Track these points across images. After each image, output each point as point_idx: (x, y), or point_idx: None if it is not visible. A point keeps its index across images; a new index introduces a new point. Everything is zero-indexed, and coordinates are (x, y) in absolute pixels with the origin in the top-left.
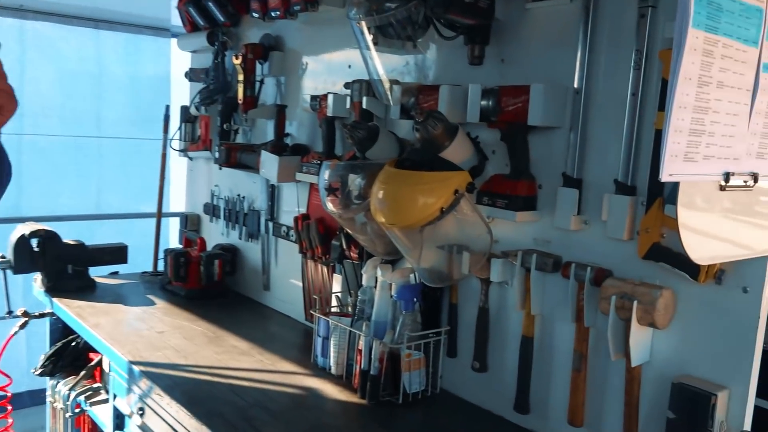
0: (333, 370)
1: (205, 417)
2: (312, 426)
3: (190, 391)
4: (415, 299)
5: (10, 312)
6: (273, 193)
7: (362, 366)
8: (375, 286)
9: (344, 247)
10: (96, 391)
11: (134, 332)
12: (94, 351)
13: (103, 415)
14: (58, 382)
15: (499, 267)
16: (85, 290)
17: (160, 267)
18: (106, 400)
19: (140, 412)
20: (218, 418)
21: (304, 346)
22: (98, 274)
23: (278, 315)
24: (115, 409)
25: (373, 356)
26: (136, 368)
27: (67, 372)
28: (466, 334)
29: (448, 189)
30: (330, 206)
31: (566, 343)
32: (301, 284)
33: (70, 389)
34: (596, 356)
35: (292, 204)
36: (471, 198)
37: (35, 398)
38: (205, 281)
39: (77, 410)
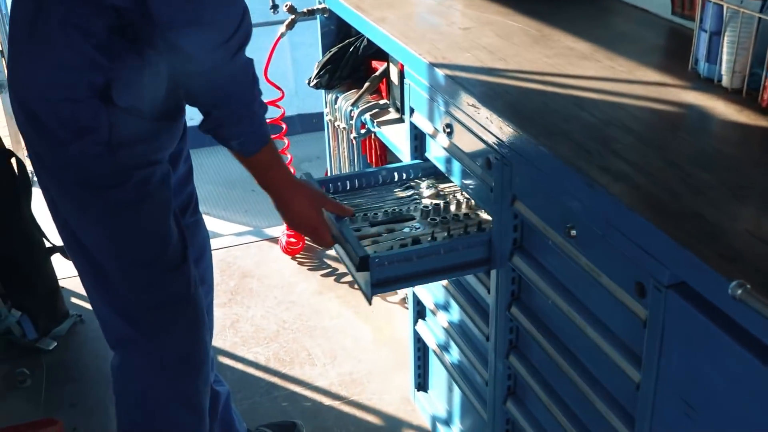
0: (725, 82)
1: (543, 136)
2: (698, 153)
3: (516, 102)
4: None
5: (274, 6)
6: None
7: None
8: None
9: None
10: (383, 109)
11: (431, 29)
12: (378, 58)
13: (395, 135)
14: (337, 97)
15: None
16: None
17: None
18: (398, 120)
19: (447, 131)
20: (561, 137)
21: (672, 50)
22: None
23: (628, 8)
24: (413, 127)
25: None
26: (439, 72)
27: (346, 85)
28: None
29: None
30: None
31: None
32: None
33: (353, 105)
34: None
35: None
36: None
37: (306, 124)
38: None
39: (363, 131)
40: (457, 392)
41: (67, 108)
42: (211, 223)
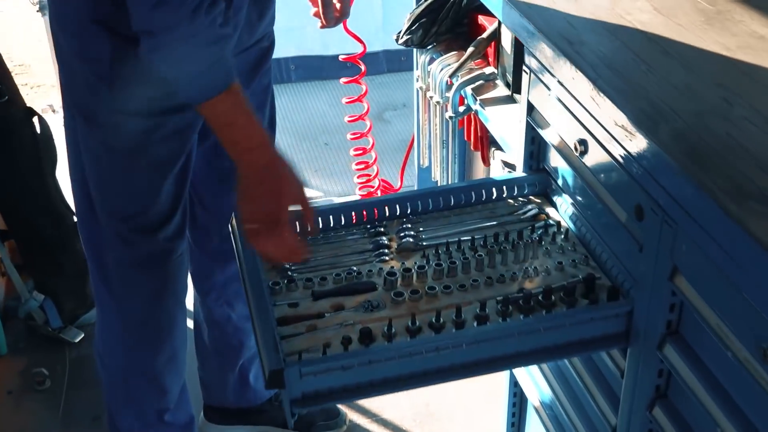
0: None
1: (729, 195)
2: None
3: (687, 131)
4: None
5: None
6: None
7: None
8: None
9: None
10: (489, 81)
11: None
12: (486, 13)
13: (501, 120)
14: (431, 59)
15: None
16: None
17: None
18: (507, 99)
19: (580, 149)
20: (758, 201)
21: None
22: None
23: None
24: (530, 128)
25: None
26: (574, 69)
27: (444, 44)
28: None
29: None
30: None
31: None
32: None
33: (452, 75)
34: None
35: None
36: None
37: (393, 62)
38: None
39: (461, 109)
40: None
41: (75, 34)
42: None
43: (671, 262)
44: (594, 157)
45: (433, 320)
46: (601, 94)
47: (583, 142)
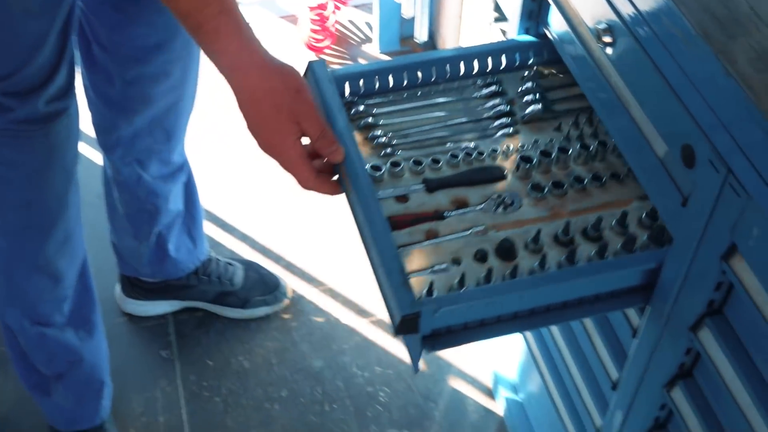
0: None
1: None
2: None
3: None
4: None
5: None
6: None
7: None
8: None
9: None
10: None
11: None
12: None
13: None
14: None
15: None
16: None
17: None
18: None
19: (604, 38)
20: None
21: None
22: None
23: None
24: None
25: None
26: None
27: None
28: None
29: None
30: None
31: None
32: None
33: None
34: None
35: None
36: None
37: None
38: None
39: None
40: (536, 378)
41: None
42: None
43: (729, 239)
44: (624, 55)
45: (589, 228)
46: None
47: (609, 30)
